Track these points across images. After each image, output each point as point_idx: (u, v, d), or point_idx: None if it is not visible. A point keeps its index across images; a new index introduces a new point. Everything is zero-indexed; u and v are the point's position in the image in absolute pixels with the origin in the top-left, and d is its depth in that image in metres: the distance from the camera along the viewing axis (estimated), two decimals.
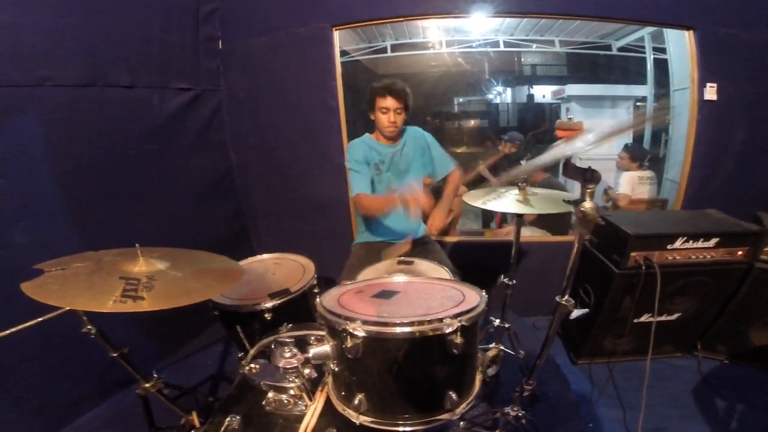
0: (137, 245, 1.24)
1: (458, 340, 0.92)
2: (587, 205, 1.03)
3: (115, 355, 1.30)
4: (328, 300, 1.14)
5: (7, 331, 1.12)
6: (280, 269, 1.89)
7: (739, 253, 1.95)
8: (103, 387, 2.01)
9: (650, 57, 3.48)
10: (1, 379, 1.68)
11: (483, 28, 3.15)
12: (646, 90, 3.74)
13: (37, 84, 1.78)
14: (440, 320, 0.94)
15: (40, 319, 1.14)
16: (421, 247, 2.08)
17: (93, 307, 0.97)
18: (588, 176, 1.01)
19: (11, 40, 1.67)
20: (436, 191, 2.15)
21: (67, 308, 1.02)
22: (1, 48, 1.64)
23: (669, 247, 1.91)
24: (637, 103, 4.01)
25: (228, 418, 1.05)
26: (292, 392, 1.12)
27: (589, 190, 1.02)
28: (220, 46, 2.71)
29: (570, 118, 3.26)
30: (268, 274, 1.85)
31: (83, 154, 1.97)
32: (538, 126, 3.98)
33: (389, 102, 1.89)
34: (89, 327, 1.24)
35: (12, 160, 1.72)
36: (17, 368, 1.71)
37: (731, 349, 2.16)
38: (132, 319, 2.04)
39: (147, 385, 1.38)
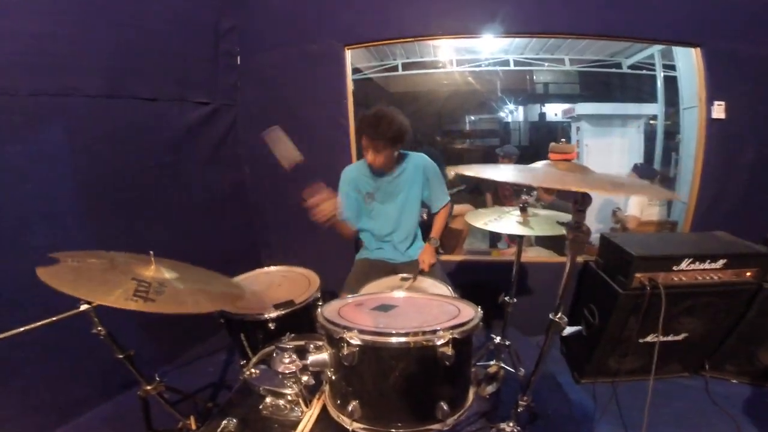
0: (151, 252, 1.30)
1: (450, 352, 0.95)
2: (578, 227, 1.05)
3: (121, 356, 1.35)
4: (329, 311, 1.17)
5: (22, 329, 1.17)
6: (286, 281, 1.94)
7: (748, 274, 1.93)
8: (104, 388, 2.05)
9: (660, 75, 3.48)
10: (8, 376, 1.73)
11: (493, 48, 3.21)
12: (656, 108, 3.74)
13: (65, 93, 1.87)
14: (433, 332, 0.96)
15: (54, 318, 1.19)
16: (416, 265, 2.10)
17: (108, 300, 1.02)
18: (579, 199, 1.03)
19: (41, 50, 1.76)
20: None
21: (81, 309, 1.08)
22: (32, 57, 1.74)
23: (675, 268, 1.90)
24: (650, 121, 4.00)
25: (225, 421, 1.09)
26: (289, 398, 1.15)
27: (580, 213, 1.04)
28: (239, 62, 2.81)
29: (563, 141, 3.28)
30: (274, 286, 1.90)
31: (104, 163, 2.06)
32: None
33: (365, 141, 1.90)
34: (100, 328, 1.29)
35: (38, 166, 1.81)
36: (24, 366, 1.76)
37: (740, 368, 2.12)
38: (140, 322, 2.10)
39: (148, 387, 1.42)
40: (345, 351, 0.96)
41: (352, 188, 2.10)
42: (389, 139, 1.87)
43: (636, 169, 3.23)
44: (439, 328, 0.97)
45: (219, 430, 1.06)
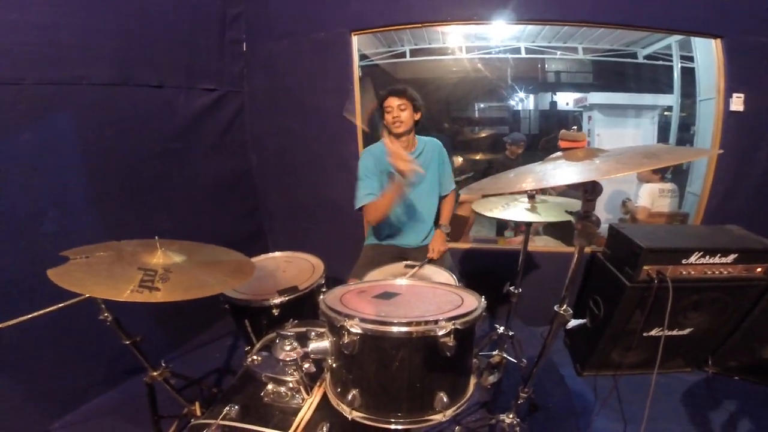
0: (156, 237, 1.30)
1: (451, 342, 0.94)
2: (587, 217, 1.03)
3: (128, 342, 1.37)
4: (331, 298, 1.17)
5: (29, 315, 1.19)
6: (290, 267, 1.93)
7: (758, 270, 1.89)
8: (111, 374, 2.08)
9: (677, 66, 3.40)
10: (17, 362, 1.75)
11: (504, 35, 3.15)
12: (671, 99, 3.65)
13: (74, 82, 1.87)
14: (435, 322, 0.95)
15: (60, 305, 1.20)
16: (426, 250, 2.09)
17: (111, 295, 1.03)
18: (589, 188, 1.01)
19: (52, 40, 1.77)
20: None
21: (86, 295, 1.09)
22: (43, 47, 1.74)
23: (684, 261, 1.87)
24: (665, 112, 3.91)
25: (227, 408, 1.09)
26: (290, 385, 1.15)
27: (590, 202, 1.02)
28: (245, 49, 2.79)
29: (573, 129, 3.23)
30: (278, 272, 1.90)
31: (111, 150, 2.06)
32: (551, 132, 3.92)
33: (390, 101, 1.98)
34: (106, 314, 1.31)
35: (46, 154, 1.81)
36: (32, 352, 1.79)
37: (743, 365, 2.10)
38: (146, 309, 2.11)
39: (154, 373, 1.44)
40: (346, 339, 0.95)
41: (375, 166, 2.06)
42: (414, 99, 2.00)
43: None
44: (440, 318, 0.96)
45: (221, 416, 1.07)
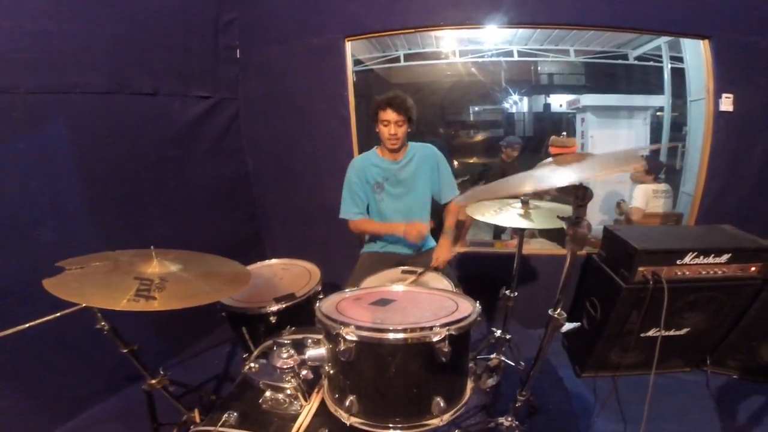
0: (152, 247, 1.30)
1: (446, 348, 0.95)
2: (578, 222, 1.04)
3: (125, 351, 1.37)
4: (327, 305, 1.18)
5: (27, 325, 1.19)
6: (287, 274, 1.93)
7: (753, 269, 1.91)
8: (111, 382, 2.07)
9: (667, 66, 3.43)
10: (17, 371, 1.75)
11: (496, 38, 3.18)
12: (663, 100, 3.69)
13: (68, 90, 1.88)
14: (430, 329, 0.96)
15: (57, 315, 1.20)
16: (426, 258, 2.09)
17: (108, 305, 1.03)
18: (580, 193, 1.02)
19: (45, 48, 1.77)
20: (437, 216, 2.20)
21: (83, 305, 1.09)
22: (36, 55, 1.74)
23: (678, 262, 1.89)
24: (657, 113, 3.95)
25: (225, 415, 1.10)
26: (288, 392, 1.16)
27: (581, 208, 1.03)
28: (239, 55, 2.80)
29: (563, 135, 3.25)
30: (275, 279, 1.89)
31: (107, 158, 2.06)
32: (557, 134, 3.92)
33: (389, 114, 1.91)
34: (103, 323, 1.31)
35: (42, 163, 1.82)
36: (33, 361, 1.78)
37: (742, 364, 2.12)
38: (144, 317, 2.10)
39: (153, 381, 1.44)
40: (342, 347, 0.96)
41: (361, 179, 2.07)
42: (411, 114, 1.96)
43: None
44: (435, 324, 0.97)
45: (220, 423, 1.07)
